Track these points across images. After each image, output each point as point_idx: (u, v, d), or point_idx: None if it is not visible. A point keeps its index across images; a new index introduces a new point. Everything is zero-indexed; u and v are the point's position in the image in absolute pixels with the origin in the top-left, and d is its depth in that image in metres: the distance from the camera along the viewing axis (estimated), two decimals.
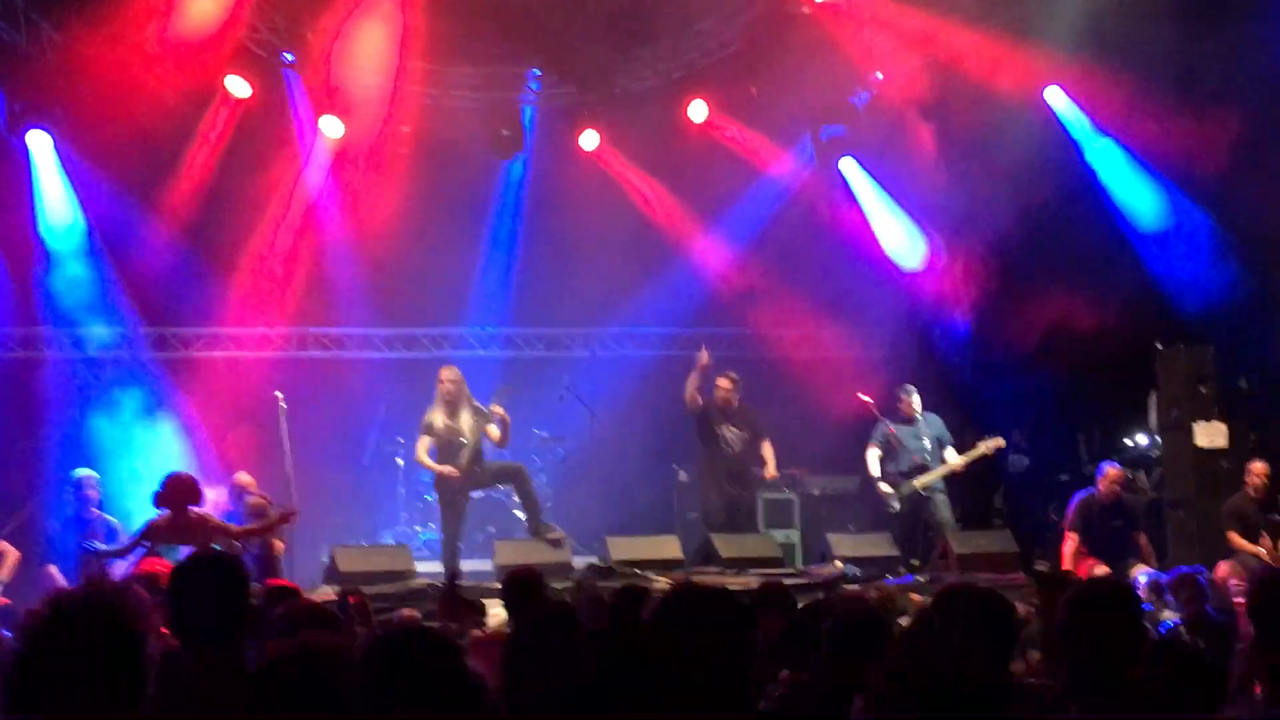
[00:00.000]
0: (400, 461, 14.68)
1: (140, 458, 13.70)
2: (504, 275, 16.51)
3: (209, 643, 3.87)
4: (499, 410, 12.38)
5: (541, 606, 6.19)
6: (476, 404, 12.51)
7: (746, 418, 13.53)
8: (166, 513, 9.98)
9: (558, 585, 11.04)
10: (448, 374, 12.62)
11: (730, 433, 13.40)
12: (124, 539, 10.88)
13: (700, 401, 13.38)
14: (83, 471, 12.29)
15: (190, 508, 10.03)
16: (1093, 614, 3.57)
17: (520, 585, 7.46)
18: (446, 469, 12.17)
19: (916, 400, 13.59)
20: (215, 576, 4.05)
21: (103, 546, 10.88)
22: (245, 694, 3.40)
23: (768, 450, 13.49)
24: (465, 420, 12.34)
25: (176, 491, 10.03)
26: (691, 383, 13.39)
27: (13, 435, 14.08)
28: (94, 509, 11.92)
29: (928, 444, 13.45)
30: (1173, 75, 12.82)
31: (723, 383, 13.49)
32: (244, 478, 12.02)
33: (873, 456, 13.60)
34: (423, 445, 12.42)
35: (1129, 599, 3.65)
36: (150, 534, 10.04)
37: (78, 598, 2.80)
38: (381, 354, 16.23)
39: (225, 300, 15.31)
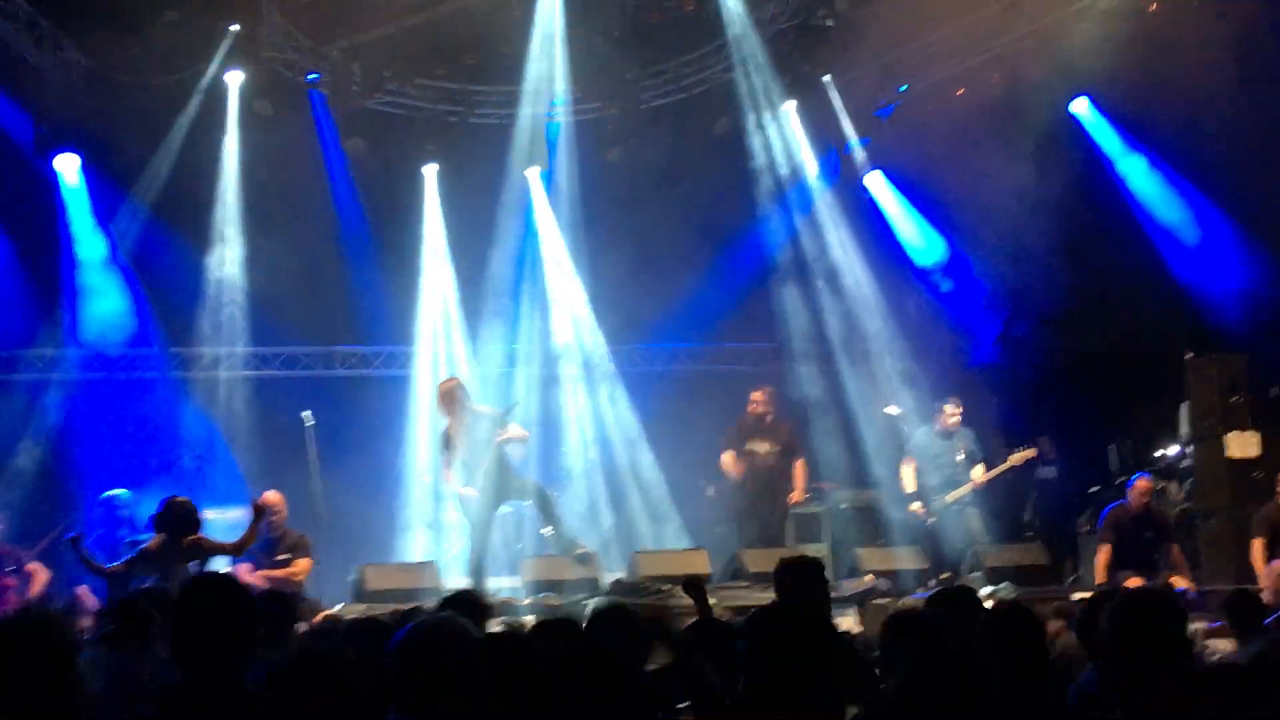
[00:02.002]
0: (427, 478, 14.67)
1: (169, 478, 13.73)
2: (532, 293, 16.51)
3: (211, 667, 3.82)
4: (516, 431, 12.25)
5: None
6: (485, 410, 12.32)
7: (779, 433, 13.49)
8: (161, 537, 9.78)
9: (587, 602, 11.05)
10: (445, 386, 12.47)
11: (761, 447, 13.36)
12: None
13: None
14: (113, 492, 12.34)
15: (186, 535, 9.80)
16: (1138, 623, 3.54)
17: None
18: (470, 491, 12.06)
19: (955, 413, 13.50)
20: (218, 600, 4.01)
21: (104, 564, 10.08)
22: (246, 708, 3.40)
23: (799, 471, 13.46)
24: (480, 433, 12.14)
25: (173, 517, 9.83)
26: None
27: (43, 456, 14.12)
28: (125, 529, 11.95)
29: (961, 457, 13.40)
30: (1201, 82, 12.75)
31: (756, 396, 13.48)
32: (272, 496, 12.01)
33: (907, 471, 13.56)
34: (446, 463, 12.28)
35: (1173, 607, 3.62)
36: (142, 558, 9.75)
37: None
38: (408, 371, 16.23)
39: (252, 319, 15.34)
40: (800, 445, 13.55)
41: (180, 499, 10.09)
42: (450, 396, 12.25)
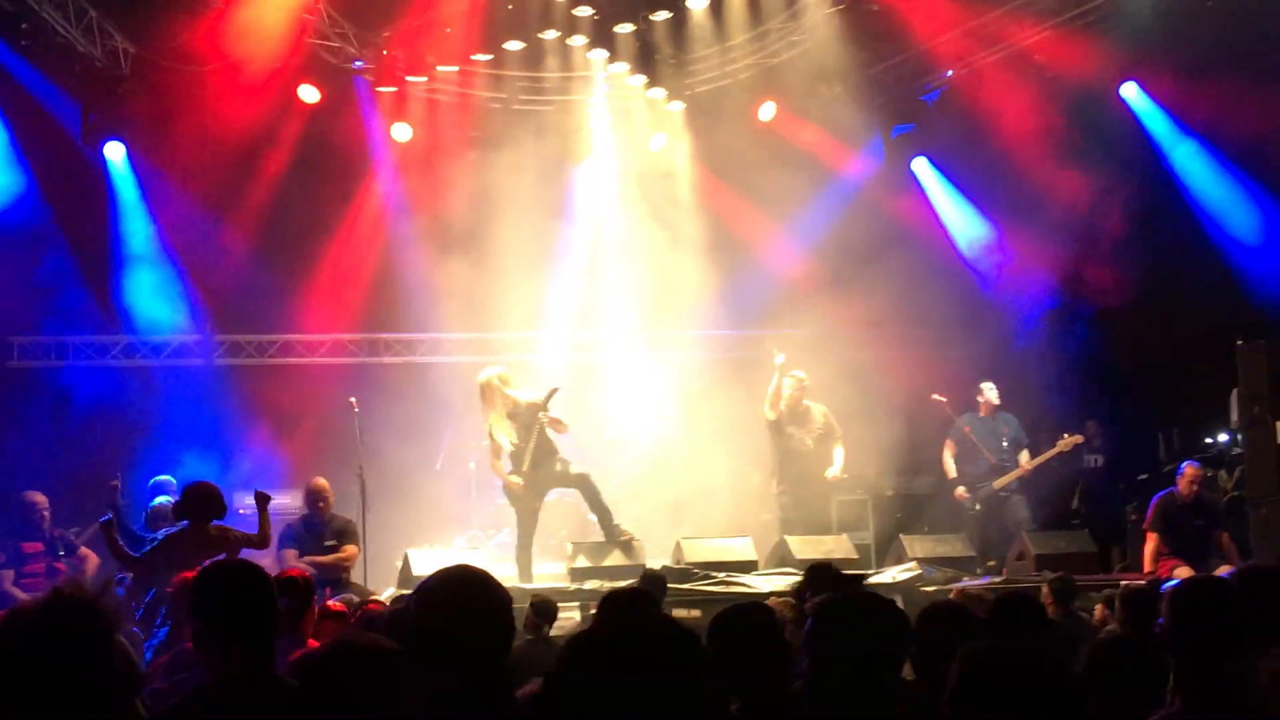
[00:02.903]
0: (473, 466, 14.71)
1: (217, 464, 13.83)
2: (575, 280, 16.53)
3: (244, 649, 3.74)
4: (561, 422, 12.20)
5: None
6: (526, 398, 12.27)
7: (816, 418, 13.46)
8: (186, 525, 9.22)
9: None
10: (487, 381, 12.38)
11: (799, 432, 13.33)
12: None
13: (781, 406, 13.34)
14: (161, 477, 12.44)
15: (213, 521, 9.27)
16: (1195, 612, 3.52)
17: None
18: (512, 479, 12.04)
19: (995, 397, 13.50)
20: (239, 584, 3.88)
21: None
22: (280, 702, 3.36)
23: (839, 452, 13.42)
24: (522, 421, 12.12)
25: (196, 501, 9.26)
26: (774, 389, 13.37)
27: (93, 442, 14.25)
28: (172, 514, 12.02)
29: (1005, 444, 13.37)
30: (1246, 63, 12.63)
31: (788, 383, 13.43)
32: (320, 482, 12.04)
33: (948, 457, 13.56)
34: (493, 451, 12.25)
35: (1229, 596, 3.59)
36: (165, 546, 9.20)
37: (38, 607, 2.73)
38: (453, 358, 16.28)
39: (298, 306, 15.43)
40: (839, 431, 13.50)
41: (202, 483, 9.56)
42: (487, 389, 12.20)
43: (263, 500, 9.74)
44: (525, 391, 12.27)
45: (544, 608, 8.57)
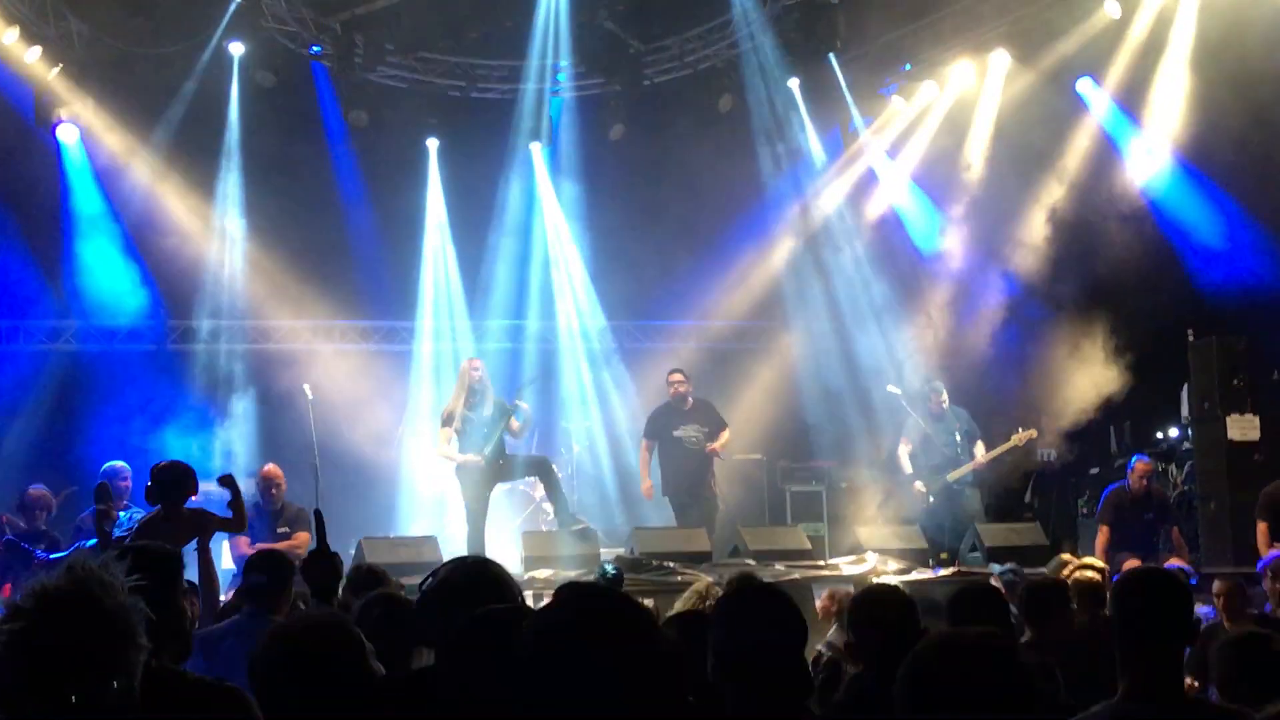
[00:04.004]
0: (428, 454, 14.66)
1: (170, 450, 13.72)
2: (533, 269, 16.50)
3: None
4: (523, 404, 12.33)
5: None
6: (499, 398, 12.39)
7: (705, 414, 13.42)
8: (159, 509, 8.76)
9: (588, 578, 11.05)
10: (474, 365, 12.50)
11: (689, 431, 13.26)
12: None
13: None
14: (112, 464, 12.31)
15: (183, 501, 8.79)
16: (1142, 601, 3.54)
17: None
18: (470, 457, 12.04)
19: (944, 396, 13.58)
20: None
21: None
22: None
23: (724, 435, 13.38)
24: (487, 411, 12.20)
25: (168, 482, 8.76)
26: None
27: (44, 427, 14.13)
28: (124, 501, 11.92)
29: (958, 437, 13.43)
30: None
31: (676, 377, 13.36)
32: (272, 469, 11.98)
33: (904, 452, 13.60)
34: (443, 436, 12.21)
35: (1175, 586, 3.61)
36: (146, 533, 8.61)
37: (59, 586, 2.68)
38: (408, 347, 16.22)
39: (253, 292, 15.33)
40: (723, 420, 13.47)
41: (173, 463, 9.08)
42: (483, 378, 12.30)
43: (231, 482, 9.21)
44: (490, 393, 12.30)
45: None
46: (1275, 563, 9.44)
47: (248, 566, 6.47)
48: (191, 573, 6.34)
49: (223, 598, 7.97)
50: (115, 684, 2.57)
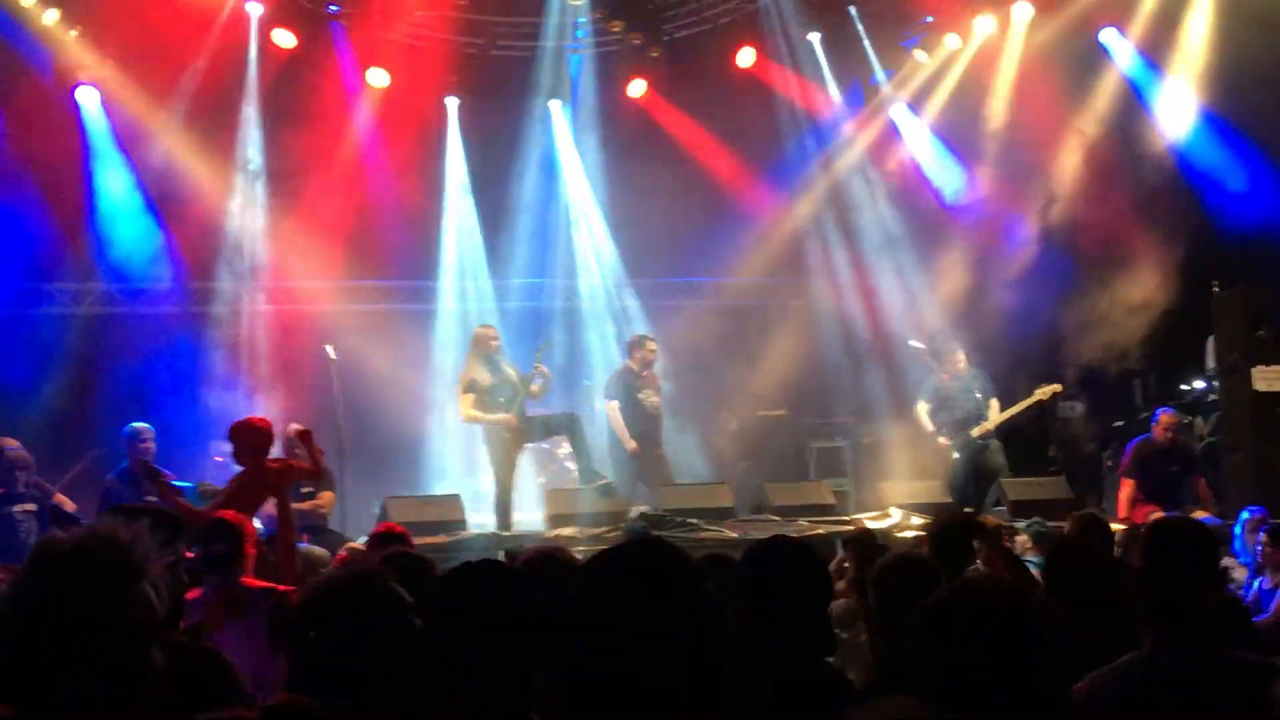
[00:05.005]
0: (452, 413, 14.68)
1: (194, 411, 13.77)
2: (552, 227, 16.46)
3: None
4: (541, 368, 12.32)
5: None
6: (514, 364, 12.41)
7: (657, 379, 13.46)
8: (248, 467, 8.74)
9: (611, 535, 11.08)
10: (488, 332, 12.52)
11: (651, 397, 13.26)
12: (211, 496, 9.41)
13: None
14: (138, 425, 12.36)
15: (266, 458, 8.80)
16: (1170, 550, 3.53)
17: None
18: (502, 416, 12.08)
19: (963, 358, 13.56)
20: None
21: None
22: None
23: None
24: (507, 374, 12.24)
25: (255, 441, 8.75)
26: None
27: (69, 389, 14.17)
28: (149, 462, 11.97)
29: (978, 395, 13.41)
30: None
31: (653, 345, 13.35)
32: (296, 429, 12.00)
33: (923, 411, 13.57)
34: (467, 401, 12.27)
35: (1205, 536, 3.60)
36: (236, 492, 8.60)
37: (73, 541, 2.65)
38: (430, 306, 16.21)
39: (274, 253, 15.33)
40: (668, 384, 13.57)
41: (250, 420, 9.10)
42: (498, 344, 12.33)
43: (307, 435, 9.35)
44: (508, 364, 12.34)
45: (513, 555, 8.55)
46: (1256, 518, 9.51)
47: (206, 535, 6.53)
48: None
49: None
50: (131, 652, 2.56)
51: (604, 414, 15.22)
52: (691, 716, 2.25)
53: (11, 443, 11.59)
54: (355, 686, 2.99)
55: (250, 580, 6.46)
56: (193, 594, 6.26)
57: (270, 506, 8.69)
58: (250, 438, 8.84)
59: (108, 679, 2.51)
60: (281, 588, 6.50)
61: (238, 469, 9.00)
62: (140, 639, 2.56)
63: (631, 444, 12.91)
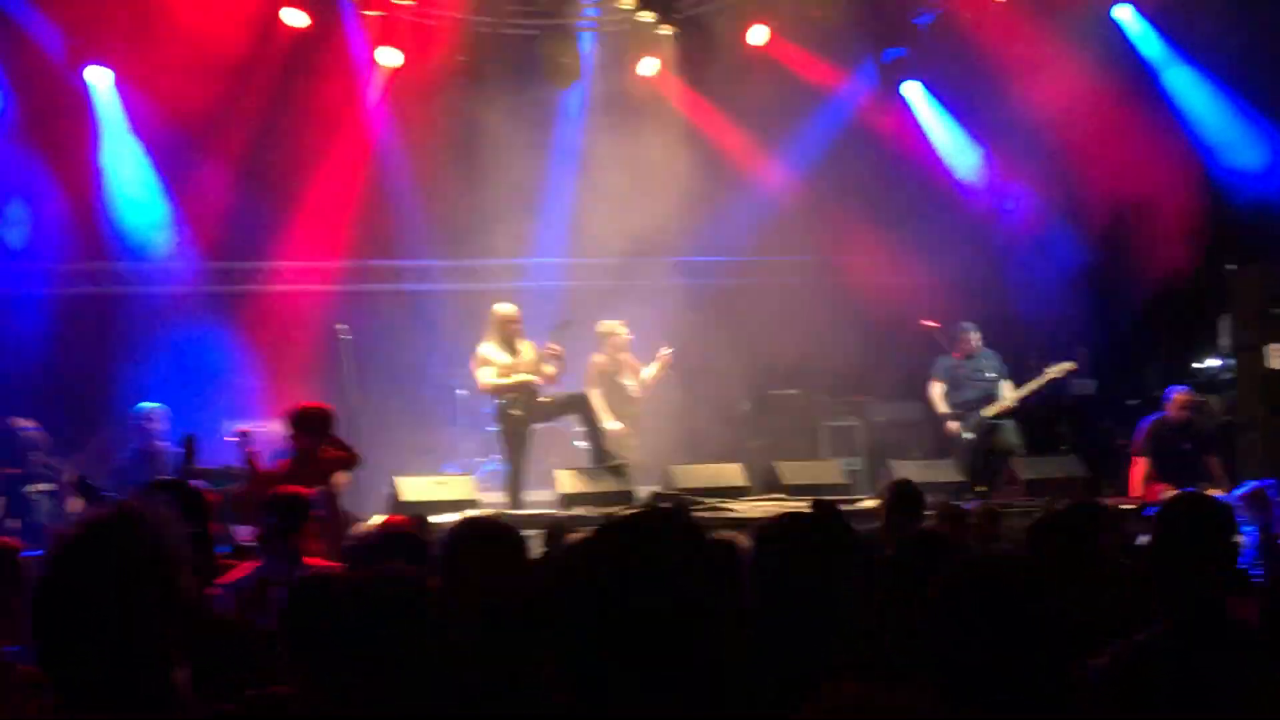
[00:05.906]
0: (463, 393, 14.66)
1: (204, 392, 13.78)
2: (564, 206, 16.40)
3: None
4: (556, 348, 12.29)
5: None
6: (530, 341, 12.39)
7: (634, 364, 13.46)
8: (302, 450, 8.96)
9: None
10: (506, 311, 12.46)
11: (630, 382, 13.26)
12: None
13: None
14: (148, 405, 12.38)
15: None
16: (1184, 528, 3.50)
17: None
18: (522, 378, 12.05)
19: (977, 338, 13.53)
20: None
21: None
22: None
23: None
24: (524, 355, 12.24)
25: (319, 423, 8.98)
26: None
27: (79, 370, 14.18)
28: (160, 442, 12.00)
29: (991, 375, 13.40)
30: None
31: (619, 333, 13.33)
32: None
33: (937, 391, 13.55)
34: (487, 371, 12.24)
35: (1220, 513, 3.57)
36: (293, 470, 8.79)
37: (106, 518, 2.61)
38: (441, 286, 16.19)
39: (286, 234, 15.32)
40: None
41: (312, 404, 9.30)
42: (517, 324, 12.29)
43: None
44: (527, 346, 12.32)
45: (558, 533, 8.57)
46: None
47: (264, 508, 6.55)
48: None
49: None
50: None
51: None
52: (704, 697, 2.22)
53: (28, 423, 11.63)
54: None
55: (312, 561, 6.41)
56: (238, 572, 6.28)
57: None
58: (316, 419, 9.12)
59: (137, 657, 2.50)
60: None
61: (253, 449, 9.05)
62: (167, 618, 2.54)
63: (621, 426, 12.91)
